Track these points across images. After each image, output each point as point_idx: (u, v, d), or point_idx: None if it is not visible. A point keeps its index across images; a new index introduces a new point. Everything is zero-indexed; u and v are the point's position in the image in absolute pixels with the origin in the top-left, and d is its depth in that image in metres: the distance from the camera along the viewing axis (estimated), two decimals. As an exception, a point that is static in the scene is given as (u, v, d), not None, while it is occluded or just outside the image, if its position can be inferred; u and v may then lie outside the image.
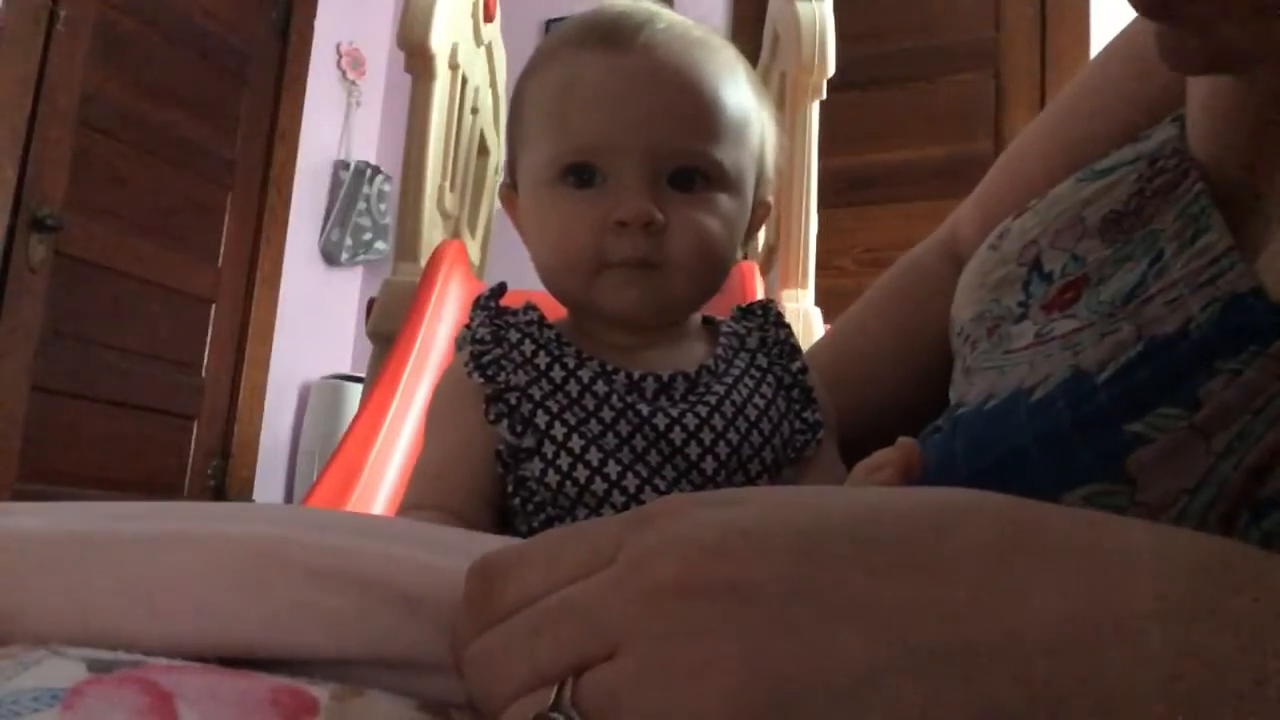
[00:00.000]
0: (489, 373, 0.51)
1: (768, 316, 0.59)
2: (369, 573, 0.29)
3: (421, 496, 0.52)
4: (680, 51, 0.52)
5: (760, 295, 1.64)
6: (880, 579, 0.23)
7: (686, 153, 0.51)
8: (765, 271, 1.84)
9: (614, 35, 0.52)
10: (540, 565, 0.27)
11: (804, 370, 0.57)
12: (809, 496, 0.27)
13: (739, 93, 0.54)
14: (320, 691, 0.25)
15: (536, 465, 0.50)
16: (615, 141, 0.51)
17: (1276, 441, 0.36)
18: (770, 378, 0.56)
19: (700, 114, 0.52)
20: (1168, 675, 0.21)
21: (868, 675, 0.22)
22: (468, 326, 0.55)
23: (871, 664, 0.22)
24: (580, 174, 0.52)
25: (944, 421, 0.51)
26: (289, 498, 3.04)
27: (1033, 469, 0.43)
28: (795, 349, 0.58)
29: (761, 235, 1.94)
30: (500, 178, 2.12)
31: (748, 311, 0.60)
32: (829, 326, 1.04)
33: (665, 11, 0.55)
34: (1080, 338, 0.44)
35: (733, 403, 0.53)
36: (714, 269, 0.54)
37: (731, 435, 0.52)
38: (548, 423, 0.50)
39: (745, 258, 1.99)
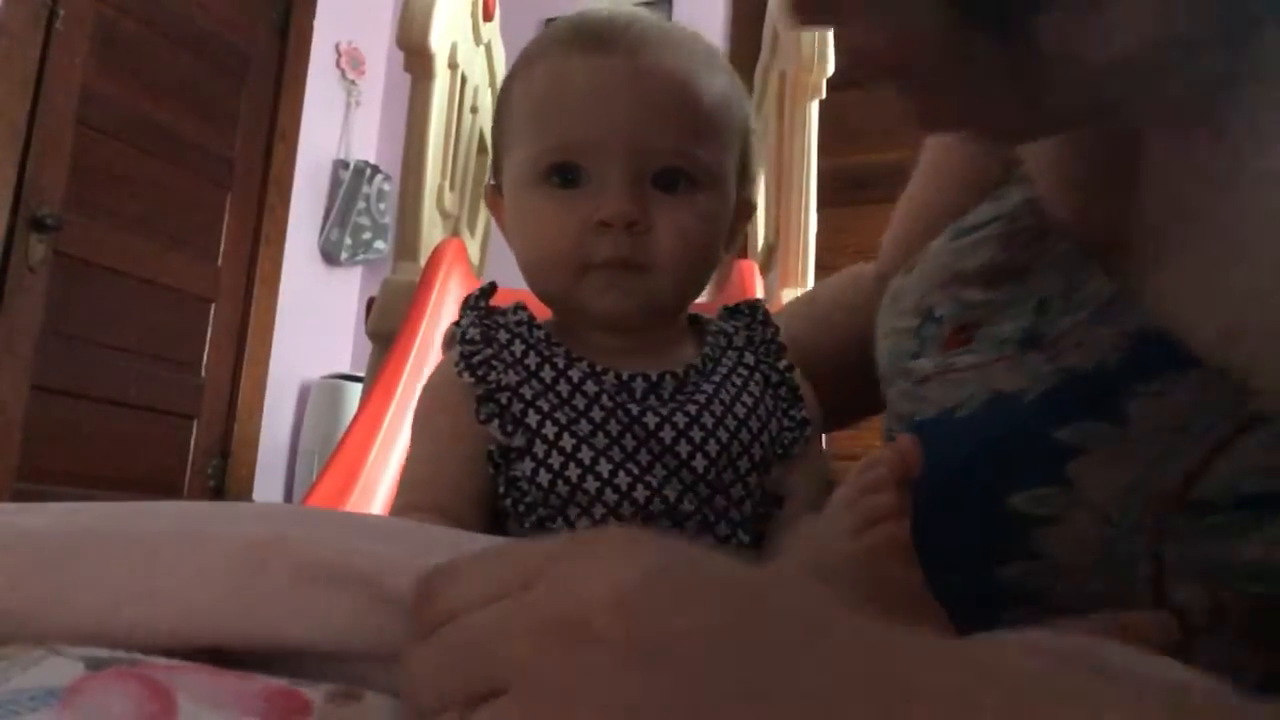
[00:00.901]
0: (479, 373, 0.52)
1: (755, 315, 0.60)
2: (363, 570, 0.29)
3: (413, 499, 0.51)
4: (664, 53, 0.53)
5: (760, 294, 1.64)
6: (766, 699, 0.23)
7: (670, 153, 0.52)
8: (765, 271, 1.84)
9: (598, 37, 0.53)
10: (469, 583, 0.27)
11: (791, 368, 0.57)
12: (726, 580, 0.26)
13: (721, 94, 0.54)
14: (314, 694, 0.26)
15: (528, 465, 0.50)
16: (598, 141, 0.51)
17: (1203, 454, 0.39)
18: (758, 375, 0.56)
19: (683, 115, 0.52)
20: None
21: None
22: (456, 325, 0.56)
23: None
24: (564, 174, 0.52)
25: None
26: (288, 497, 3.04)
27: (976, 476, 0.45)
28: (782, 347, 0.58)
29: (761, 234, 1.94)
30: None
31: (735, 311, 0.60)
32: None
33: (649, 15, 0.56)
34: (990, 369, 0.47)
35: (721, 401, 0.53)
36: (698, 269, 0.54)
37: (721, 433, 0.52)
38: (539, 422, 0.50)
39: (745, 255, 1.99)
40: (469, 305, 0.56)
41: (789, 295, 1.66)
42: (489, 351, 0.53)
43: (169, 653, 0.27)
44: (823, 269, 1.80)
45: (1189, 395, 0.39)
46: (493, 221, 2.16)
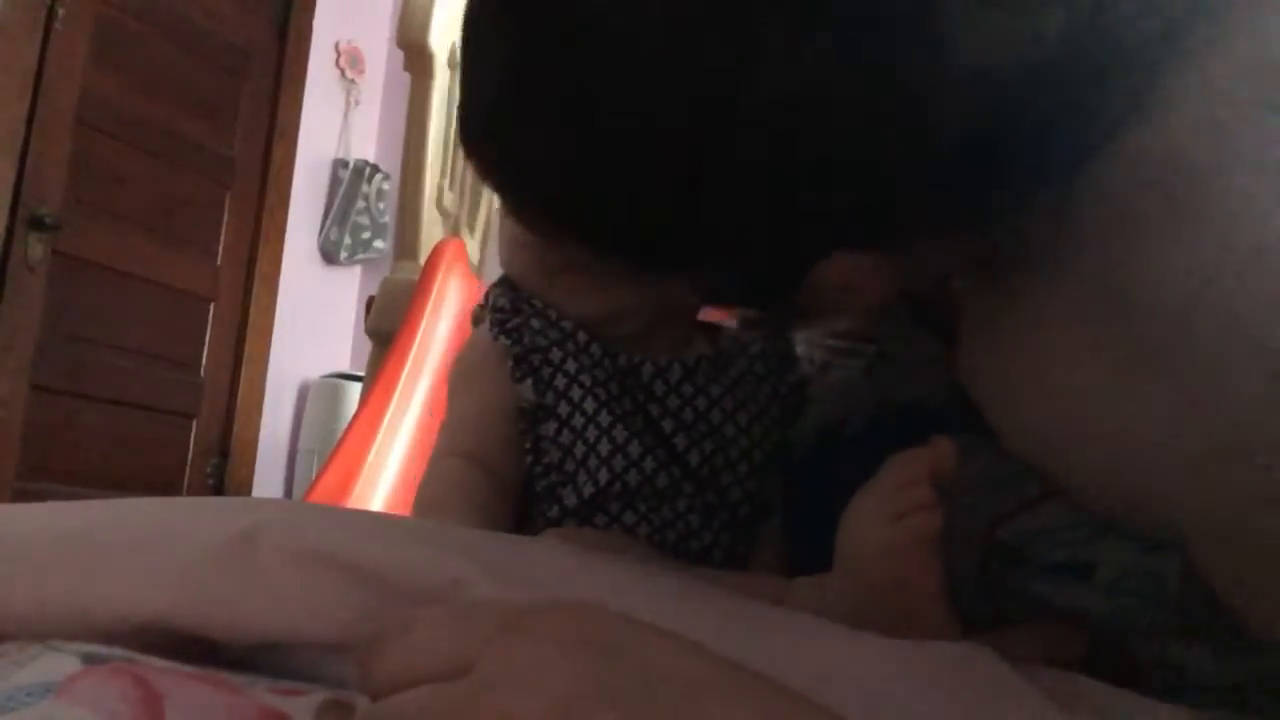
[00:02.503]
0: (514, 336, 0.55)
1: (769, 329, 0.62)
2: (348, 557, 0.29)
3: (453, 445, 0.55)
4: None
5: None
6: None
7: None
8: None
9: None
10: (414, 651, 0.26)
11: (801, 384, 0.60)
12: (669, 697, 0.24)
13: None
14: (302, 712, 0.26)
15: (552, 425, 0.53)
16: None
17: (1009, 509, 0.44)
18: (766, 386, 0.58)
19: None
20: None
21: None
22: (481, 306, 0.60)
23: None
24: None
25: None
26: (288, 496, 3.04)
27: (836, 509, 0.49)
28: (795, 360, 0.61)
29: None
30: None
31: (751, 324, 0.62)
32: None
33: None
34: (824, 406, 0.56)
35: (722, 409, 0.55)
36: None
37: (718, 437, 0.54)
38: (565, 385, 0.53)
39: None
40: (497, 284, 0.60)
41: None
42: (518, 320, 0.56)
43: (168, 650, 0.27)
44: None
45: (1000, 455, 0.43)
46: (492, 221, 2.16)
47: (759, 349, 0.60)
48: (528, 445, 0.53)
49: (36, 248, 2.35)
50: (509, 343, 0.55)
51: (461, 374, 0.59)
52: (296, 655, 0.29)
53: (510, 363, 0.54)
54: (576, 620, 0.25)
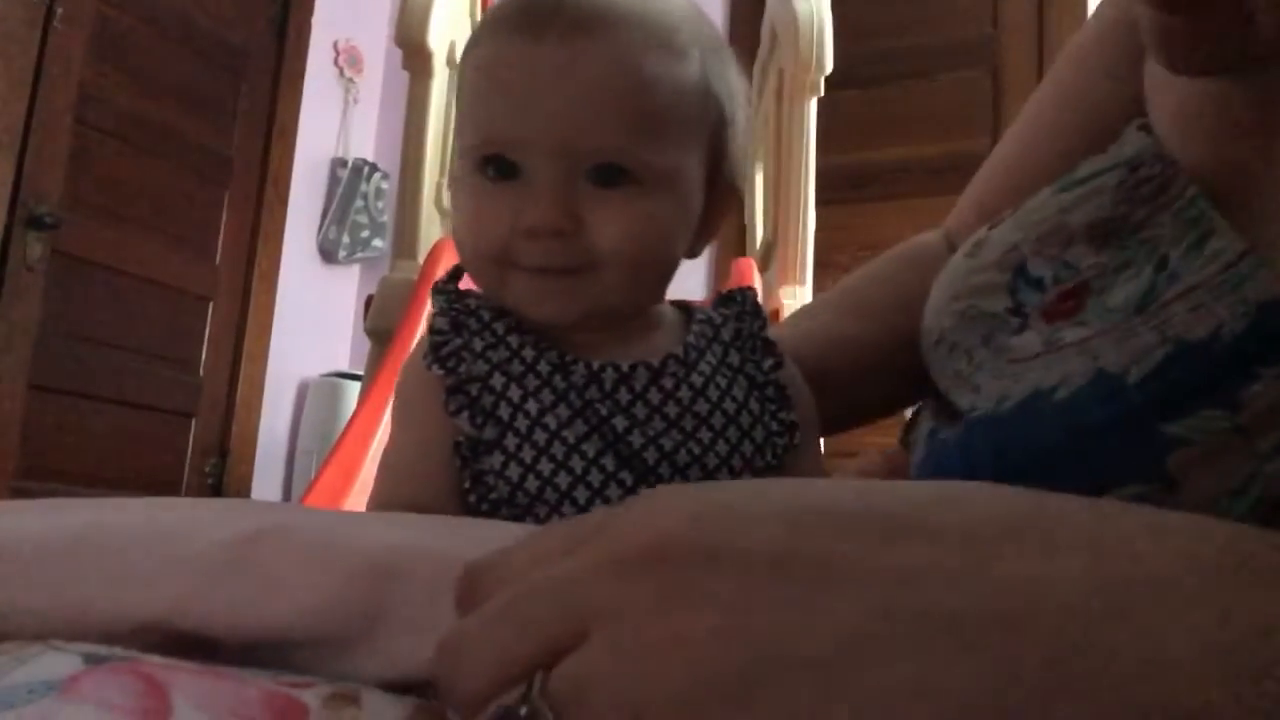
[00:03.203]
0: (449, 364, 0.49)
1: (744, 305, 0.56)
2: (353, 552, 0.29)
3: (390, 495, 0.50)
4: (603, 39, 0.48)
5: (759, 292, 1.64)
6: (868, 548, 0.22)
7: (607, 150, 0.48)
8: (764, 269, 1.84)
9: (531, 21, 0.49)
10: (522, 554, 0.26)
11: (776, 366, 0.54)
12: (794, 484, 0.26)
13: (677, 83, 0.49)
14: (313, 699, 0.25)
15: (497, 459, 0.48)
16: (526, 137, 0.48)
17: None
18: (742, 378, 0.53)
19: (622, 110, 0.48)
20: (1211, 631, 0.19)
21: (853, 645, 0.20)
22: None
23: (857, 633, 0.20)
24: (498, 166, 0.49)
25: (946, 427, 0.49)
26: (287, 496, 3.04)
27: (1067, 469, 0.42)
28: (769, 343, 0.55)
29: (759, 232, 1.94)
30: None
31: (727, 299, 0.57)
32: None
33: None
34: (1097, 344, 0.42)
35: (695, 414, 0.50)
36: (648, 267, 0.51)
37: (693, 446, 0.50)
38: (510, 415, 0.48)
39: (744, 254, 1.99)
40: (437, 289, 0.53)
41: (787, 293, 1.66)
42: (458, 341, 0.50)
43: (167, 651, 0.27)
44: (821, 266, 1.80)
45: None
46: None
47: (732, 332, 0.55)
48: (466, 484, 0.48)
49: (35, 247, 2.35)
50: (441, 372, 0.49)
51: (400, 404, 0.53)
52: (297, 654, 0.29)
53: (444, 394, 0.49)
54: (683, 487, 0.25)
